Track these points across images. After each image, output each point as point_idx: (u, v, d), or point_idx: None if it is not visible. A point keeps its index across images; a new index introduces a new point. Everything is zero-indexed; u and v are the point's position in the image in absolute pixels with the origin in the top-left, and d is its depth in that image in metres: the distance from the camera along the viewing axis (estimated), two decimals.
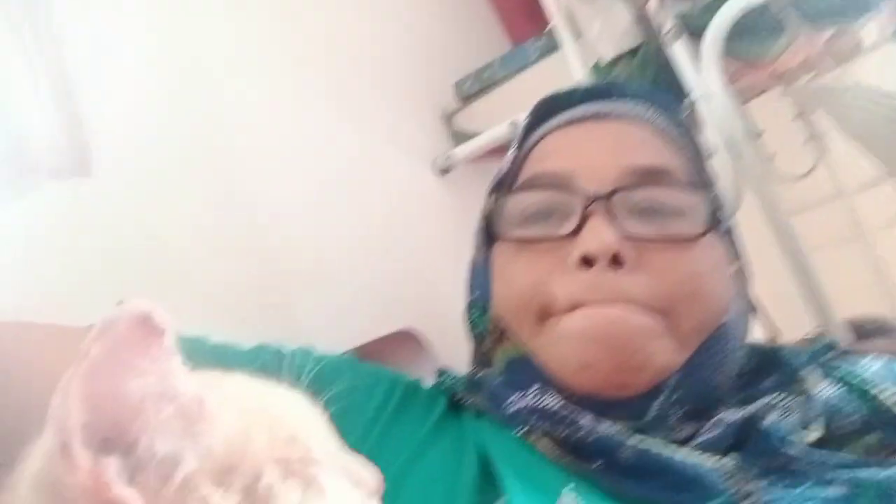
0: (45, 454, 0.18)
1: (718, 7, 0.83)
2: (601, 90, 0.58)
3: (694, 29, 0.87)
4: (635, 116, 0.55)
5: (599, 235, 0.46)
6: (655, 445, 0.42)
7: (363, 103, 1.06)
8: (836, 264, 1.27)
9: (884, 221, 1.64)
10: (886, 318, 1.29)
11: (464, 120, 1.20)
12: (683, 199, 0.50)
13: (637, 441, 0.43)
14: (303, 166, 0.91)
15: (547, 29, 1.10)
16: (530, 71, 1.11)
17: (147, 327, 0.17)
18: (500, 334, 0.53)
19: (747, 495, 0.39)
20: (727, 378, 0.49)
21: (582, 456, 0.44)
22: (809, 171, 1.48)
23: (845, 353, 0.53)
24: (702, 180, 0.54)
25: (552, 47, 1.05)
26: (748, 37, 0.90)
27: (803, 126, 1.47)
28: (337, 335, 0.83)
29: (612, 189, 0.48)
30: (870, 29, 1.12)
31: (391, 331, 0.88)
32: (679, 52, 0.87)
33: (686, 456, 0.42)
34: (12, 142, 0.57)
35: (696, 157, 0.55)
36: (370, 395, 0.51)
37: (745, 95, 0.84)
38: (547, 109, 0.58)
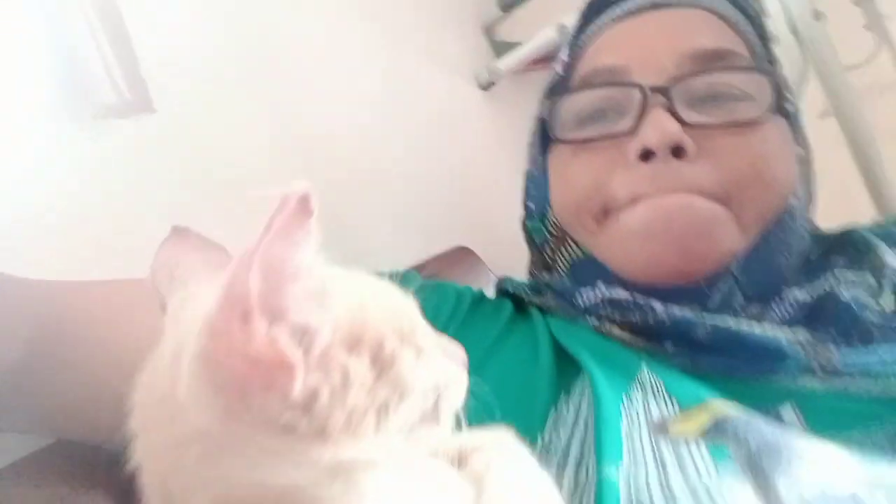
0: (205, 326, 0.19)
1: None
2: None
3: None
4: (693, 3, 0.52)
5: (659, 127, 0.45)
6: (730, 322, 0.43)
7: (404, 19, 1.03)
8: None
9: None
10: None
11: (506, 30, 1.16)
12: (746, 82, 0.48)
13: (711, 319, 0.43)
14: (350, 88, 0.90)
15: None
16: None
17: (307, 206, 0.19)
18: (561, 238, 0.54)
19: (826, 360, 0.39)
20: (792, 263, 0.49)
21: (655, 339, 0.44)
22: (872, 57, 1.39)
23: None
24: (765, 62, 0.52)
25: None
26: None
27: (864, 11, 1.37)
28: (392, 255, 0.85)
29: (671, 79, 0.47)
30: None
31: (446, 248, 0.89)
32: None
33: (761, 329, 0.42)
34: (75, 83, 0.59)
35: (759, 39, 0.53)
36: (440, 306, 0.53)
37: None
38: (599, 5, 0.56)
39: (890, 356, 0.38)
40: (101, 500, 0.46)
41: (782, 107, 0.49)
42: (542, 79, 0.59)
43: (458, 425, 0.26)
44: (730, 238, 0.45)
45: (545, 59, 1.12)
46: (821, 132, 0.88)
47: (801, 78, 0.81)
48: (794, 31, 0.80)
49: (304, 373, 0.20)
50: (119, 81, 0.61)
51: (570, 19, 0.97)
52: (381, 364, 0.21)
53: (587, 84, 0.51)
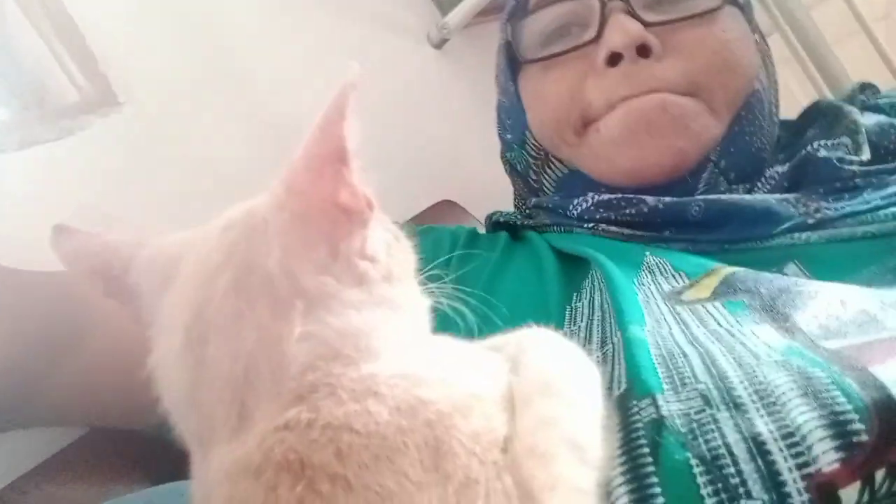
0: (291, 190, 0.24)
1: None
2: None
3: None
4: None
5: (622, 29, 0.46)
6: (721, 196, 0.45)
7: None
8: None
9: (880, 13, 1.58)
10: None
11: None
12: None
13: (703, 197, 0.45)
14: (309, 68, 0.90)
15: None
16: None
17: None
18: (544, 159, 0.55)
19: (816, 210, 0.41)
20: (766, 143, 0.50)
21: (653, 228, 0.46)
22: None
23: (878, 91, 0.54)
24: None
25: None
26: None
27: None
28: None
29: None
30: None
31: (430, 203, 0.90)
32: None
33: (752, 197, 0.44)
34: (36, 86, 0.58)
35: None
36: (438, 246, 0.53)
37: None
38: None
39: (874, 197, 0.41)
40: (141, 484, 0.47)
41: None
42: (494, 29, 0.59)
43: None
44: (706, 128, 0.47)
45: (493, 9, 1.13)
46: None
47: None
48: None
49: (375, 225, 0.24)
50: (78, 78, 0.60)
51: None
52: (394, 232, 0.28)
53: (546, 2, 0.52)
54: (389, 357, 0.23)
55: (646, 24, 0.46)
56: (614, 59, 0.47)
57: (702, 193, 0.47)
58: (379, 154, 0.89)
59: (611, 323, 0.35)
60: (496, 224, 0.60)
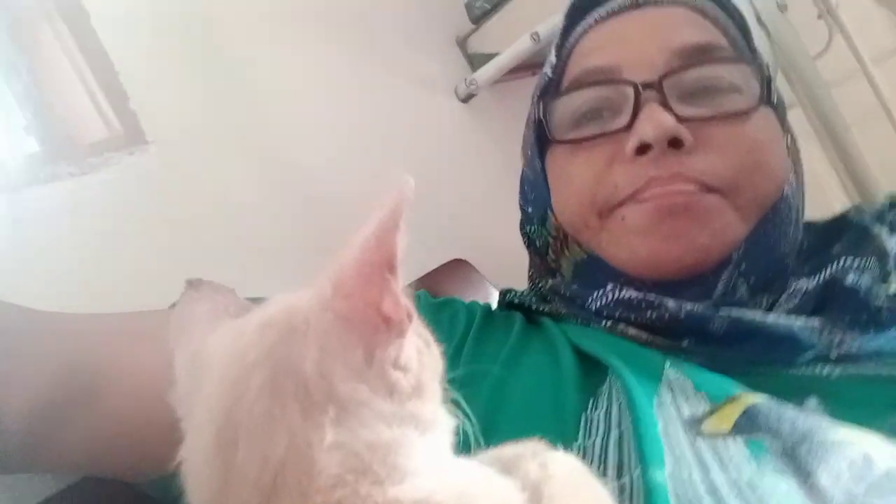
0: (337, 292, 0.23)
1: None
2: None
3: None
4: (673, 1, 0.53)
5: (654, 121, 0.45)
6: (744, 313, 0.43)
7: (380, 41, 1.05)
8: (867, 140, 1.24)
9: None
10: None
11: (479, 42, 1.18)
12: (734, 73, 0.49)
13: (726, 312, 0.43)
14: (336, 117, 0.91)
15: None
16: None
17: (410, 194, 0.23)
18: (564, 240, 0.54)
19: (840, 343, 0.41)
20: (790, 249, 0.50)
21: (672, 336, 0.45)
22: (826, 47, 1.44)
23: None
24: (749, 54, 0.53)
25: None
26: None
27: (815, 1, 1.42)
28: None
29: (662, 74, 0.47)
30: None
31: (440, 262, 0.90)
32: None
33: (774, 318, 0.43)
34: (66, 120, 0.58)
35: (740, 32, 0.54)
36: (454, 324, 0.52)
37: None
38: (582, 7, 0.57)
39: None
40: None
41: (769, 97, 0.50)
42: (521, 86, 0.60)
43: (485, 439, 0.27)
44: (731, 228, 0.46)
45: (522, 67, 1.14)
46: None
47: (774, 69, 0.84)
48: (762, 24, 0.82)
49: (411, 335, 0.24)
50: (109, 115, 0.61)
51: (543, 28, 1.00)
52: (425, 338, 0.27)
53: (580, 84, 0.52)
54: (414, 482, 0.22)
55: (679, 119, 0.46)
56: (644, 149, 0.46)
57: (720, 294, 0.46)
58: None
59: (629, 452, 0.33)
60: (510, 304, 0.58)
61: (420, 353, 0.25)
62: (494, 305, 0.60)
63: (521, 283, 0.63)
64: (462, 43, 1.20)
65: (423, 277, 0.85)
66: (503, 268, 0.71)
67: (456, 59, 1.18)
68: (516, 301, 0.57)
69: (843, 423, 0.33)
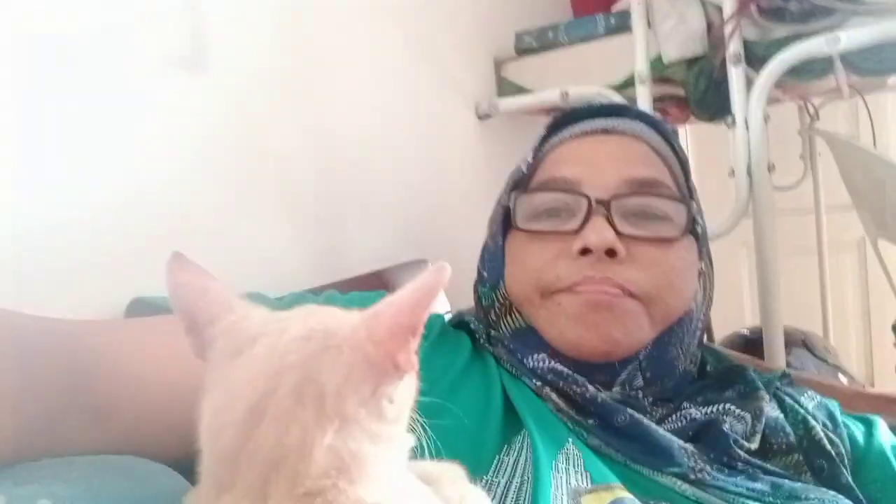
0: (369, 341, 0.30)
1: (784, 45, 0.89)
2: (610, 109, 0.67)
3: (754, 57, 0.94)
4: (636, 134, 0.65)
5: (599, 233, 0.56)
6: (642, 420, 0.54)
7: (423, 38, 1.10)
8: (791, 271, 1.41)
9: (839, 246, 1.80)
10: (811, 335, 1.46)
11: (514, 71, 1.25)
12: (669, 207, 0.60)
13: (631, 412, 0.53)
14: (365, 96, 0.97)
15: (617, 9, 1.14)
16: (593, 44, 1.14)
17: (445, 280, 0.31)
18: (508, 308, 0.64)
19: (701, 471, 0.51)
20: (683, 353, 0.60)
21: (583, 413, 0.54)
22: (797, 183, 1.61)
23: (791, 383, 0.66)
24: (684, 192, 0.64)
25: (620, 27, 1.09)
26: (796, 73, 0.97)
27: (803, 143, 1.58)
28: (369, 255, 0.92)
29: (612, 195, 0.58)
30: None
31: (410, 259, 0.97)
32: (736, 75, 0.93)
33: (664, 433, 0.53)
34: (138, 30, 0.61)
35: (681, 172, 0.65)
36: None
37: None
38: (564, 120, 0.68)
39: (743, 485, 0.50)
40: None
41: (694, 229, 0.62)
42: (533, 123, 0.68)
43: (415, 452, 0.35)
44: (641, 330, 0.57)
45: (538, 111, 1.22)
46: (737, 230, 1.03)
47: (746, 205, 0.96)
48: (749, 174, 0.94)
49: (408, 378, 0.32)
50: (183, 31, 0.64)
51: (574, 91, 1.08)
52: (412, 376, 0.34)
53: (546, 187, 0.62)
54: (375, 487, 0.30)
55: (618, 234, 0.56)
56: (586, 251, 0.56)
57: (622, 381, 0.57)
58: (394, 195, 0.97)
59: (526, 499, 0.43)
60: (462, 323, 0.67)
61: (407, 390, 0.33)
62: (443, 311, 0.70)
63: (471, 297, 0.71)
64: (499, 65, 1.26)
65: (382, 270, 0.92)
66: (460, 279, 0.79)
67: (487, 78, 1.25)
68: (471, 327, 0.66)
69: None
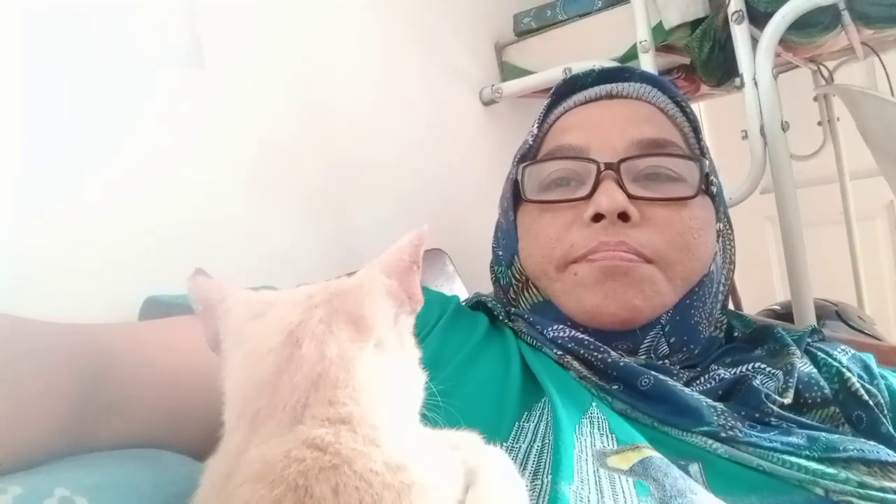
0: (386, 276, 0.34)
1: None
2: (613, 73, 0.66)
3: (757, 14, 0.92)
4: (641, 96, 0.63)
5: (610, 196, 0.54)
6: (667, 380, 0.52)
7: (423, 26, 1.10)
8: (819, 243, 1.37)
9: (867, 212, 1.76)
10: (845, 306, 1.42)
11: (515, 54, 1.24)
12: (680, 166, 0.58)
13: (654, 374, 0.51)
14: (366, 85, 0.97)
15: None
16: (592, 18, 1.13)
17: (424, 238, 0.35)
18: (525, 284, 0.63)
19: (732, 428, 0.49)
20: (706, 316, 0.58)
21: (606, 379, 0.52)
22: (817, 152, 1.57)
23: (823, 339, 0.63)
24: (696, 151, 0.63)
25: None
26: (802, 28, 0.94)
27: (819, 108, 1.55)
28: (379, 245, 0.91)
29: (621, 158, 0.56)
30: None
31: (425, 248, 0.96)
32: (740, 34, 0.91)
33: (690, 392, 0.51)
34: (136, 26, 0.62)
35: (692, 132, 0.63)
36: (429, 312, 0.59)
37: (776, 70, 0.91)
38: (567, 89, 0.66)
39: (777, 440, 0.48)
40: None
41: (708, 188, 0.60)
42: (538, 107, 0.67)
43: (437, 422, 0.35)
44: (660, 294, 0.55)
45: (544, 90, 1.21)
46: (761, 205, 1.01)
47: (762, 167, 0.93)
48: (763, 134, 0.92)
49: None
50: (178, 29, 0.64)
51: (577, 67, 1.07)
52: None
53: (554, 156, 0.61)
54: (393, 420, 0.30)
55: (630, 196, 0.55)
56: (598, 217, 0.55)
57: (646, 349, 0.55)
58: (401, 181, 0.97)
59: (546, 462, 0.42)
60: (479, 304, 0.66)
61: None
62: (462, 298, 0.68)
63: (488, 282, 0.71)
64: (500, 50, 1.25)
65: None
66: (476, 266, 0.78)
67: (489, 64, 1.24)
68: (488, 305, 0.65)
69: (712, 492, 0.42)
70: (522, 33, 1.23)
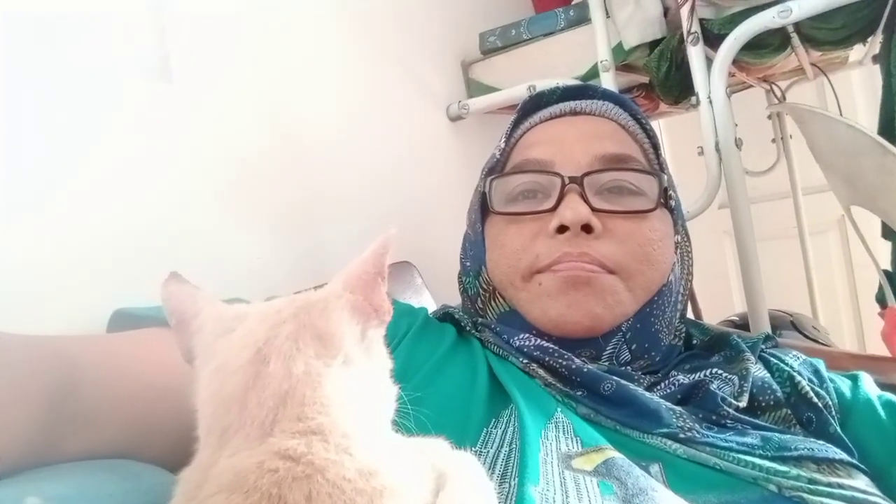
0: (349, 290, 0.34)
1: (740, 21, 0.91)
2: (577, 91, 0.68)
3: (711, 36, 0.96)
4: (603, 113, 0.66)
5: (573, 209, 0.57)
6: (628, 385, 0.53)
7: (390, 44, 1.12)
8: (775, 256, 1.42)
9: (820, 226, 1.84)
10: (800, 316, 1.47)
11: (481, 71, 1.27)
12: (641, 180, 0.61)
13: (616, 379, 0.53)
14: (334, 102, 0.98)
15: (576, 1, 1.17)
16: (555, 38, 1.16)
17: (392, 243, 0.35)
18: (492, 294, 0.64)
19: (690, 429, 0.51)
20: (665, 325, 0.60)
21: (570, 385, 0.54)
22: (771, 168, 1.64)
23: (776, 345, 0.66)
24: (655, 166, 0.65)
25: (580, 20, 1.12)
26: (754, 49, 0.99)
27: (773, 126, 1.62)
28: (347, 257, 0.91)
29: (584, 173, 0.59)
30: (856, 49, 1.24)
31: (392, 261, 0.97)
32: (696, 55, 0.96)
33: (651, 396, 0.53)
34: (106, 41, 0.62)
35: (651, 148, 0.66)
36: (397, 323, 0.60)
37: (730, 89, 0.96)
38: (533, 105, 0.69)
39: (733, 440, 0.50)
40: None
41: (667, 202, 0.63)
42: (503, 123, 0.69)
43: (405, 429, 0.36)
44: (621, 304, 0.58)
45: (509, 107, 1.24)
46: (719, 219, 1.04)
47: (717, 182, 0.97)
48: (718, 150, 0.96)
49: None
50: (147, 42, 0.64)
51: (541, 85, 1.10)
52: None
53: (520, 170, 0.63)
54: (364, 429, 0.30)
55: (593, 209, 0.58)
56: (563, 229, 0.57)
57: (608, 356, 0.57)
58: (370, 197, 0.97)
59: (514, 465, 0.43)
60: (447, 315, 0.67)
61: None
62: (430, 309, 0.69)
63: (455, 294, 0.73)
64: (466, 67, 1.28)
65: None
66: (443, 278, 0.80)
67: (456, 81, 1.26)
68: (455, 317, 0.66)
69: (673, 490, 0.44)
70: (488, 51, 1.25)
